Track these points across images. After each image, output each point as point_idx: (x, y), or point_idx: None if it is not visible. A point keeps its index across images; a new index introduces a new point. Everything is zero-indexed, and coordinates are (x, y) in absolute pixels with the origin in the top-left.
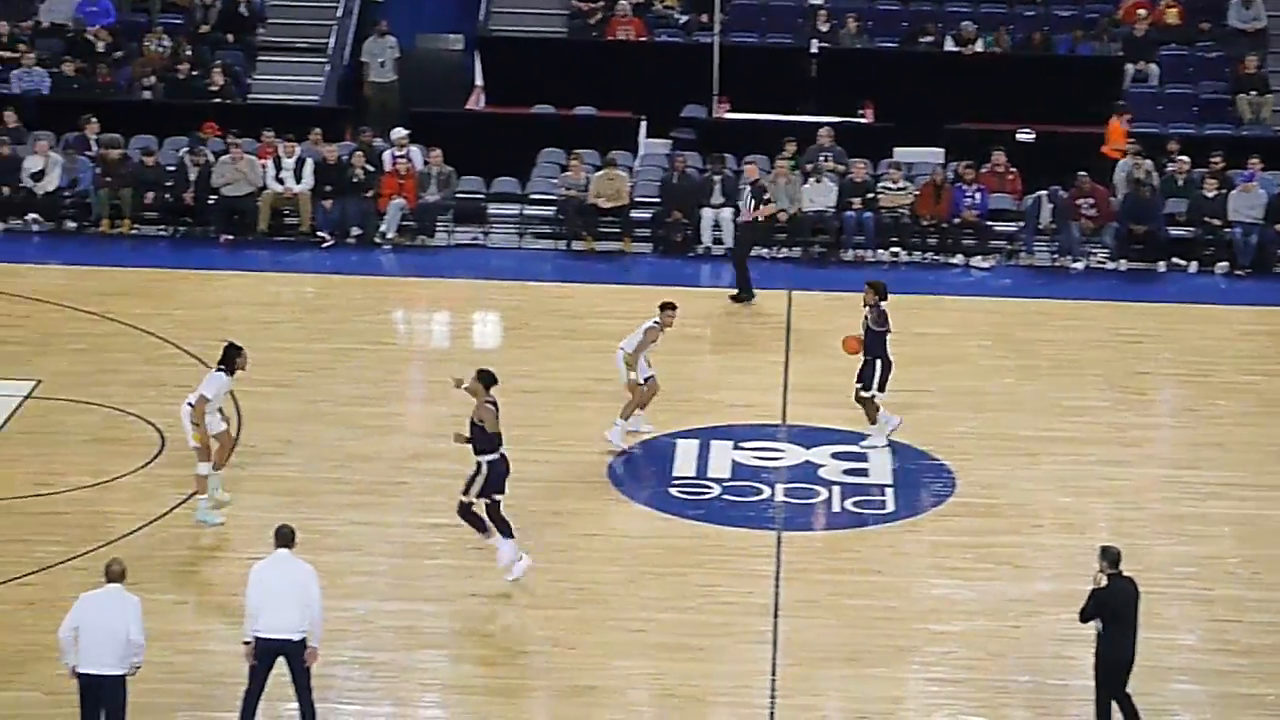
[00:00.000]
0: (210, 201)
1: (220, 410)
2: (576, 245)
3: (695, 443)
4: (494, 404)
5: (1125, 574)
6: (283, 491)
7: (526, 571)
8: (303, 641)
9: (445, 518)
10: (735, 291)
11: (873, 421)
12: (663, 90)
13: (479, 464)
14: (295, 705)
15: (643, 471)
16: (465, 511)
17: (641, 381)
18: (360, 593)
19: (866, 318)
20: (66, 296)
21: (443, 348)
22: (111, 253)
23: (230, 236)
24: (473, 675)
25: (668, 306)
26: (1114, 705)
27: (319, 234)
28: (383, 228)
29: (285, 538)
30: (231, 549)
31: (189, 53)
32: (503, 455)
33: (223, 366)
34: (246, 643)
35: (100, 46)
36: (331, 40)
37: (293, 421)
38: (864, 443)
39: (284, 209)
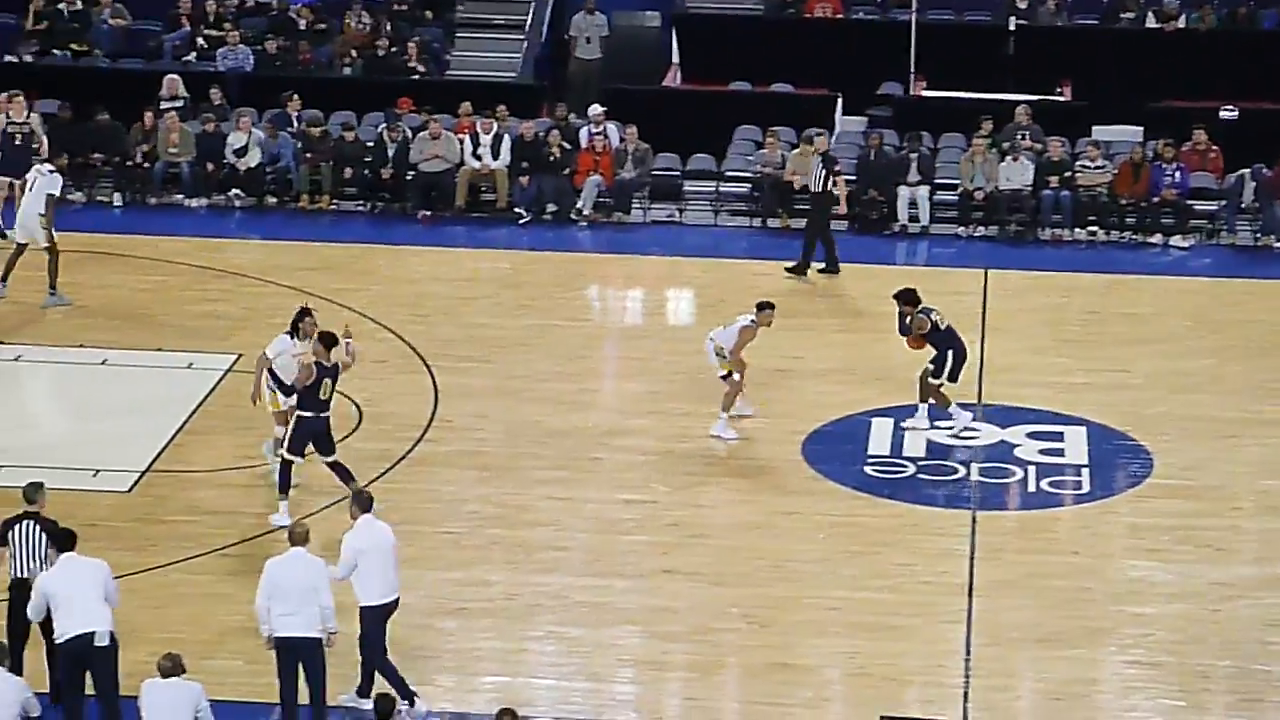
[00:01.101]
0: (408, 177)
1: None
2: (772, 223)
3: (890, 421)
4: (320, 365)
5: None
6: (478, 466)
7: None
8: (319, 640)
9: (640, 494)
10: (822, 265)
11: (922, 401)
12: (859, 68)
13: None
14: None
15: (838, 450)
16: (332, 466)
17: (729, 371)
18: (554, 568)
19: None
20: (267, 271)
21: (637, 324)
22: (311, 228)
23: (428, 212)
24: (666, 651)
25: (766, 306)
26: None
27: (516, 210)
28: (579, 204)
29: (299, 537)
30: (427, 522)
31: (389, 30)
32: (317, 417)
33: (289, 330)
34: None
35: (302, 24)
36: (529, 17)
37: (489, 397)
38: (906, 422)
39: (481, 185)
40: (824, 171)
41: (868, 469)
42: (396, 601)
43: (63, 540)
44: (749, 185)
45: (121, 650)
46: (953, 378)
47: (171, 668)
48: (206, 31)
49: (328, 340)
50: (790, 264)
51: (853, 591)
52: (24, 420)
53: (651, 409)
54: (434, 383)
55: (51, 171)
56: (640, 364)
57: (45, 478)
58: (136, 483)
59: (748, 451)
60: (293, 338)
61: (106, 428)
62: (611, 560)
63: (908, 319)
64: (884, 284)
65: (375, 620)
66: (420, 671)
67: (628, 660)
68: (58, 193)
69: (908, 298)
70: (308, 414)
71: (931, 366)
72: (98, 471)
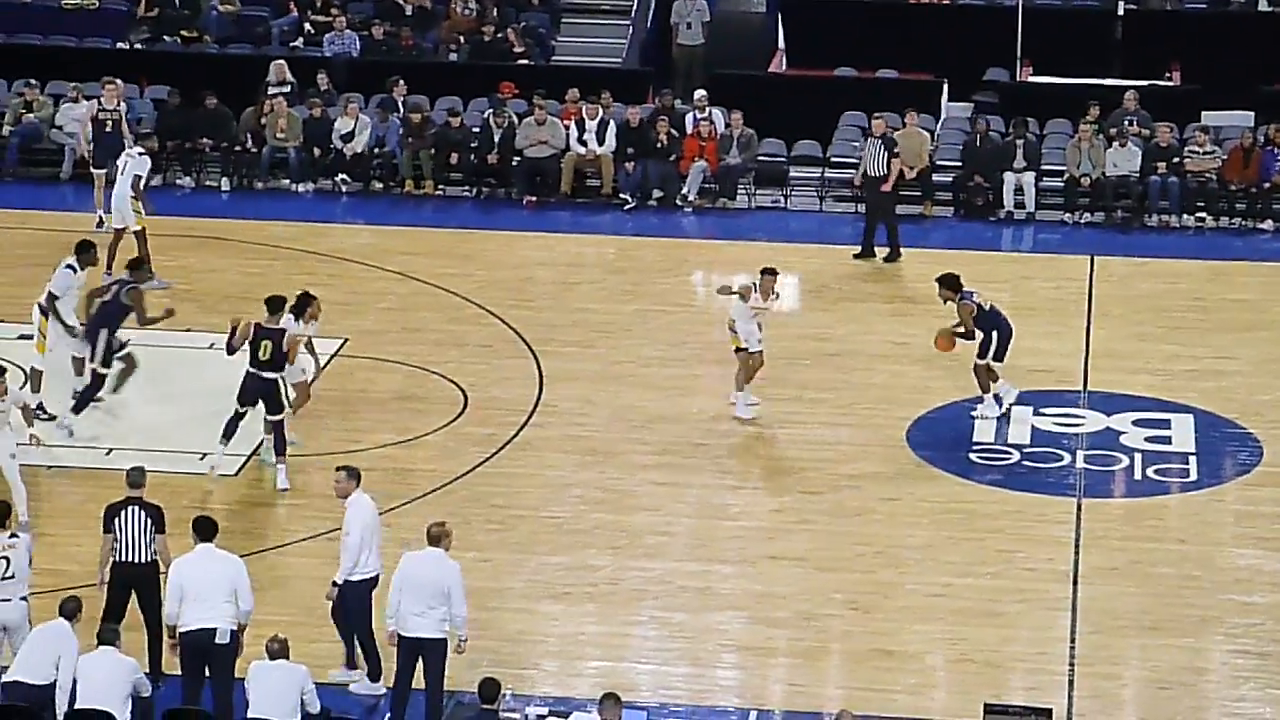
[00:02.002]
0: (514, 163)
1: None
2: None
3: (995, 408)
4: (259, 326)
5: None
6: (583, 450)
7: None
8: (443, 640)
9: (744, 480)
10: (888, 251)
11: (984, 390)
12: (966, 53)
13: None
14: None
15: (942, 437)
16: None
17: (754, 351)
18: (658, 553)
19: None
20: (372, 256)
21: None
22: (417, 213)
23: (533, 198)
24: (769, 637)
25: (768, 272)
26: None
27: (621, 196)
28: (684, 190)
29: (434, 537)
30: (531, 507)
31: (494, 15)
32: (257, 375)
33: (294, 312)
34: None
35: (409, 10)
36: (635, 2)
37: (594, 382)
38: (975, 410)
39: (587, 171)
40: (884, 154)
41: (972, 455)
42: (378, 577)
43: (205, 530)
44: (854, 171)
45: None
46: (998, 357)
47: (279, 650)
48: (314, 17)
49: (274, 305)
50: (857, 250)
51: (956, 578)
52: (132, 405)
53: (756, 394)
54: (539, 368)
55: (141, 154)
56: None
57: (153, 462)
58: (243, 467)
59: (851, 437)
60: (297, 320)
61: (214, 412)
62: (715, 546)
63: (956, 305)
64: (989, 271)
65: (363, 595)
66: (523, 656)
67: (730, 645)
68: (145, 173)
69: (950, 283)
70: (249, 369)
71: (979, 348)
72: (204, 455)
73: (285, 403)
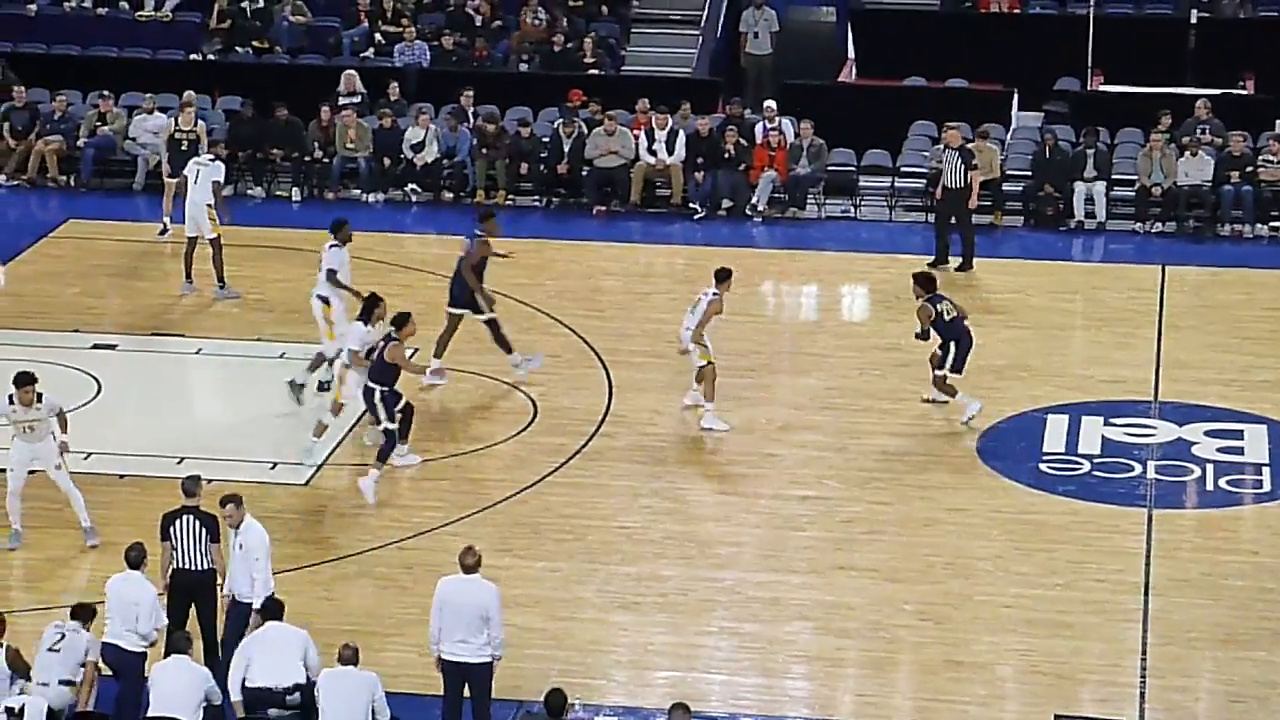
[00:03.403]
0: (584, 173)
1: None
2: None
3: (1065, 418)
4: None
5: None
6: (653, 460)
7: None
8: (488, 664)
9: (814, 490)
10: (960, 261)
11: (951, 395)
12: (1036, 62)
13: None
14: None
15: (1012, 447)
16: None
17: (707, 361)
18: (728, 563)
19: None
20: (443, 266)
21: (812, 320)
22: None
23: (603, 208)
24: (839, 648)
25: (725, 275)
26: None
27: (691, 205)
28: (754, 200)
29: (469, 566)
30: (601, 516)
31: (565, 25)
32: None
33: (363, 317)
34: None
35: (479, 20)
36: (705, 12)
37: (664, 392)
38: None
39: (657, 180)
40: (960, 165)
41: (1042, 465)
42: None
43: (272, 610)
44: (924, 181)
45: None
46: (956, 369)
47: (350, 656)
48: (384, 28)
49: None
50: (931, 260)
51: (1027, 588)
52: (203, 413)
53: (826, 405)
54: (608, 377)
55: (213, 160)
56: (815, 360)
57: (223, 471)
58: (313, 476)
59: (922, 448)
60: (366, 323)
61: (284, 421)
62: (785, 556)
63: (924, 304)
64: (1060, 280)
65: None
66: (593, 666)
67: (801, 656)
68: (222, 179)
69: (923, 283)
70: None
71: (938, 359)
72: (275, 465)
73: (388, 414)
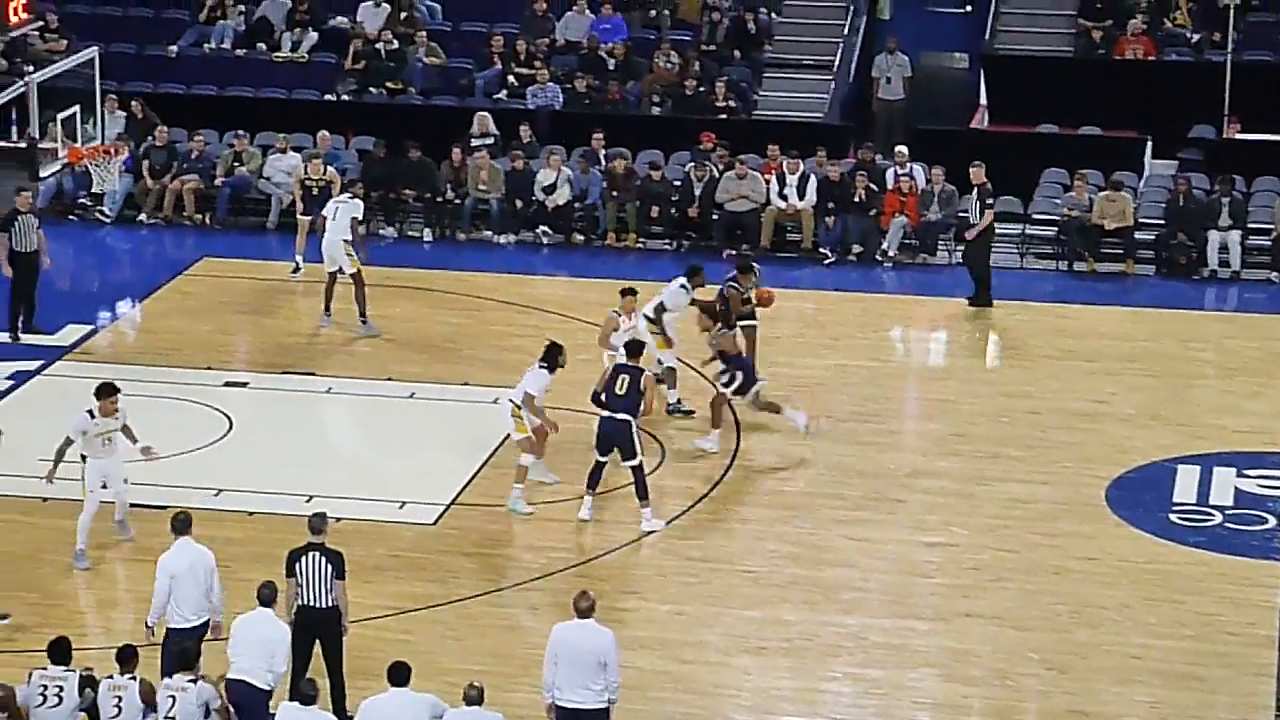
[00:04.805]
0: (714, 216)
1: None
2: (1078, 266)
3: (1197, 469)
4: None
5: None
6: (780, 505)
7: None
8: (603, 710)
9: (942, 536)
10: (972, 296)
11: (716, 425)
12: (1170, 109)
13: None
14: None
15: (1142, 496)
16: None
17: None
18: (854, 608)
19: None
20: (573, 308)
21: (941, 366)
22: (618, 265)
23: (733, 251)
24: (965, 695)
25: (628, 292)
26: None
27: (821, 250)
28: (884, 245)
29: (584, 610)
30: (726, 560)
31: (697, 69)
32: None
33: (544, 364)
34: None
35: (611, 63)
36: (837, 58)
37: (792, 436)
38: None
39: (787, 225)
40: (978, 204)
41: (1172, 516)
42: (206, 624)
43: (399, 676)
44: (1055, 228)
45: (424, 680)
46: (741, 391)
47: (476, 696)
48: (517, 70)
49: (632, 349)
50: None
51: (1155, 639)
52: (333, 452)
53: (954, 451)
54: (736, 421)
55: (351, 197)
56: (943, 405)
57: (352, 509)
58: (441, 515)
59: (1049, 495)
60: (550, 372)
61: (413, 460)
62: (911, 602)
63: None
64: (1193, 330)
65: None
66: (717, 710)
67: (926, 703)
68: (360, 215)
69: (740, 269)
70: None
71: (723, 380)
72: (403, 504)
73: (639, 448)
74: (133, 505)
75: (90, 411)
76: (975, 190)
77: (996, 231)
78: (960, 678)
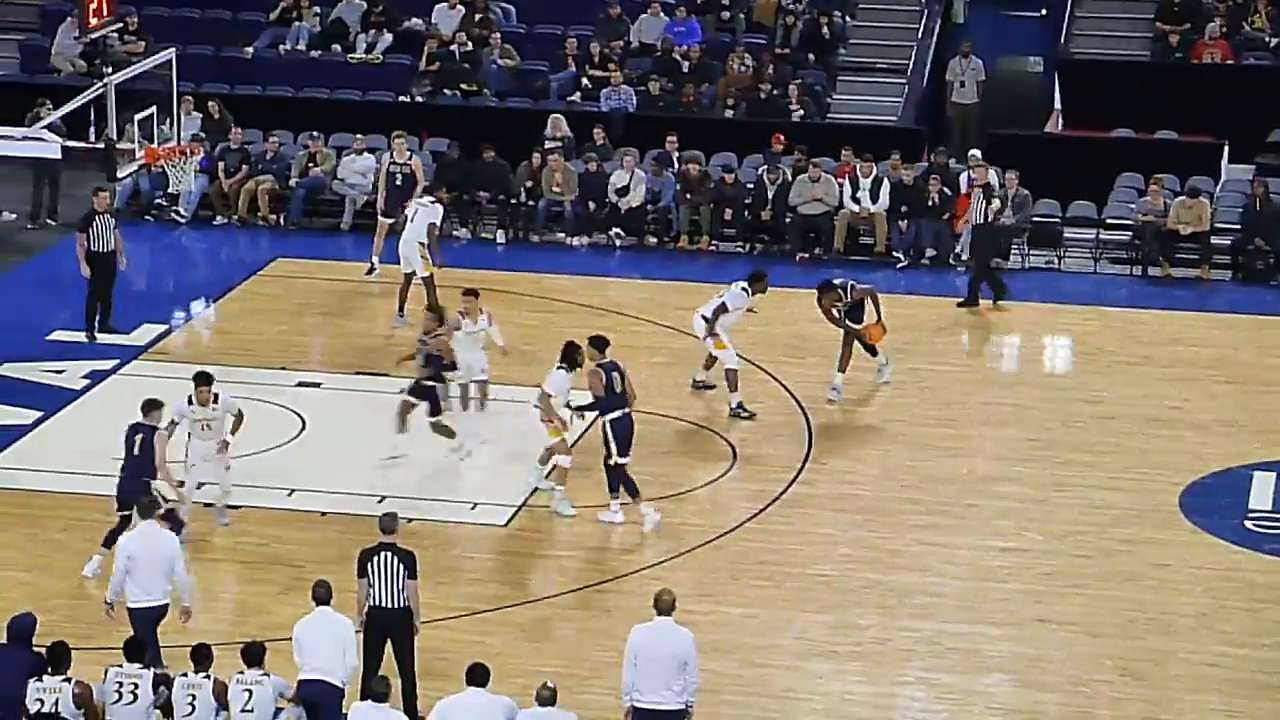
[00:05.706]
0: (787, 219)
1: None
2: (1153, 271)
3: (1272, 475)
4: (604, 368)
5: None
6: (854, 509)
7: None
8: (683, 711)
9: (1016, 542)
10: (966, 298)
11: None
12: (1248, 114)
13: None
14: None
15: (1217, 503)
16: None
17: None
18: (927, 614)
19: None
20: (646, 310)
21: (1015, 370)
22: (691, 268)
23: (806, 255)
24: (1038, 702)
25: (469, 293)
26: None
27: (894, 254)
28: (957, 249)
29: (666, 606)
30: (798, 563)
31: (771, 72)
32: (625, 414)
33: (563, 364)
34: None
35: (686, 66)
36: (911, 61)
37: (864, 440)
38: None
39: (860, 228)
40: (983, 203)
41: (1248, 523)
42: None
43: (478, 676)
44: (1130, 233)
45: (497, 682)
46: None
47: (549, 697)
48: (591, 72)
49: (599, 344)
50: (997, 298)
51: (1231, 648)
52: (406, 453)
53: (1028, 456)
54: (808, 424)
55: (433, 202)
56: (1017, 411)
57: (424, 510)
58: (513, 517)
59: (1124, 502)
60: (569, 371)
61: (486, 462)
62: (985, 608)
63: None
64: (1270, 337)
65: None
66: (790, 714)
67: (998, 709)
68: (439, 221)
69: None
70: (618, 414)
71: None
72: (475, 505)
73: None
74: (206, 505)
75: (190, 398)
76: (981, 190)
77: (1065, 236)
78: (1033, 684)
